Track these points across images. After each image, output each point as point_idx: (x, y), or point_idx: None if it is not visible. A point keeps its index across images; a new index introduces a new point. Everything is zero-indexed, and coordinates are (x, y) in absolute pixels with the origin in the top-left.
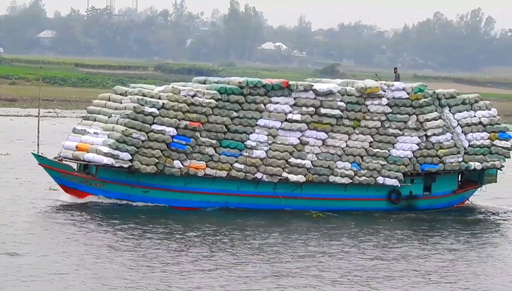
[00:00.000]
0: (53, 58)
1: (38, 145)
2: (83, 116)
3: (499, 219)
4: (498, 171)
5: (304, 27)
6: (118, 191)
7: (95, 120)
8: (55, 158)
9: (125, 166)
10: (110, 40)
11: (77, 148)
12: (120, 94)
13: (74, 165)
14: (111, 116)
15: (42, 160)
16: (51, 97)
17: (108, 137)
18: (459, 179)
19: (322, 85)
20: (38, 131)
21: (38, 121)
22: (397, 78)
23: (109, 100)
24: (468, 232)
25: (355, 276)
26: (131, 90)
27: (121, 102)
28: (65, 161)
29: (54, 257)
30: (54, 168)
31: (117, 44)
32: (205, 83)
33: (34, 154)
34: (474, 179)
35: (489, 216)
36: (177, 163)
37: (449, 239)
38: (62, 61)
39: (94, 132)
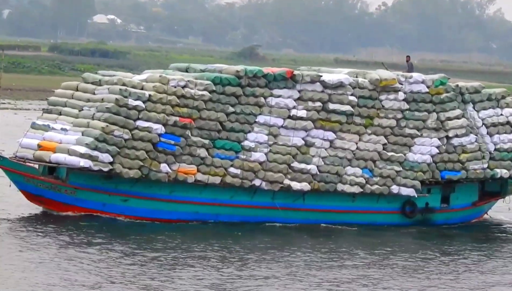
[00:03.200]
0: None
1: None
2: (43, 109)
3: None
4: None
5: None
6: (93, 199)
7: (60, 113)
8: (10, 158)
9: (105, 169)
10: None
11: (40, 147)
12: (92, 83)
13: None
14: (82, 109)
15: (1, 161)
16: None
17: (83, 135)
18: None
19: (331, 76)
20: None
21: None
22: (411, 69)
23: (77, 90)
24: (491, 251)
25: None
26: (106, 78)
27: (94, 93)
28: (28, 162)
29: (20, 277)
30: (16, 170)
31: None
32: (187, 71)
33: None
34: (495, 189)
35: None
36: (164, 167)
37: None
38: None
39: (62, 129)
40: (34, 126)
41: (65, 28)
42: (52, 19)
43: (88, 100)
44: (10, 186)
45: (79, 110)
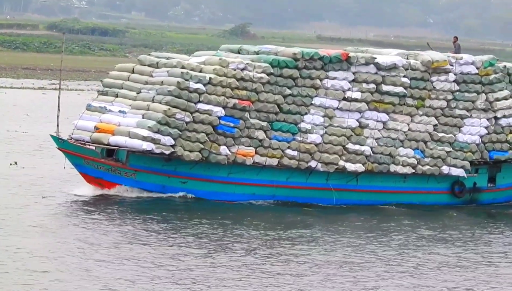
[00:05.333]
0: None
1: (57, 126)
2: (98, 91)
3: None
4: None
5: None
6: (152, 181)
7: (117, 96)
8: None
9: (167, 152)
10: None
11: (97, 129)
12: (149, 65)
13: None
14: (140, 92)
15: (62, 144)
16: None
17: (144, 117)
18: None
19: (385, 58)
20: (58, 109)
21: (59, 98)
22: (458, 50)
23: (132, 72)
24: None
25: None
26: (164, 61)
27: (151, 76)
28: (88, 144)
29: (75, 263)
30: (77, 153)
31: None
32: (239, 53)
33: (53, 137)
34: None
35: None
36: (223, 149)
37: None
38: None
39: (120, 111)
40: (89, 108)
41: (10, 4)
42: None
43: (146, 83)
44: (64, 167)
45: (137, 93)
